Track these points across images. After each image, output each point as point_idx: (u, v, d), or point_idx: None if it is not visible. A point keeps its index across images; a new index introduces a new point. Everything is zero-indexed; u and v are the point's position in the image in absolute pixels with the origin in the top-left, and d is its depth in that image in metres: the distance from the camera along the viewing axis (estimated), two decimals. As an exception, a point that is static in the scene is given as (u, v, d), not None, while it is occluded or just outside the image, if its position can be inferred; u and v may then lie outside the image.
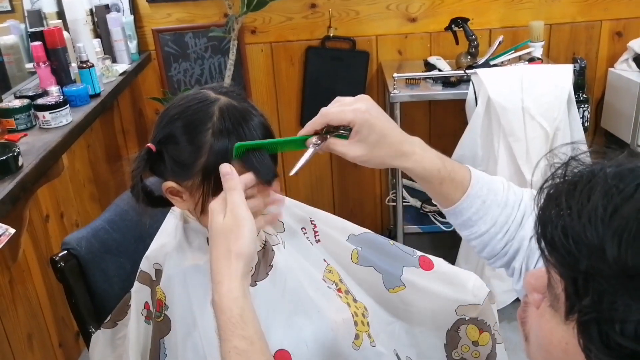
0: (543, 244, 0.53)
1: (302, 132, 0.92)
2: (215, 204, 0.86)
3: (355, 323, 1.06)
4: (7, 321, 1.82)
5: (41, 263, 2.06)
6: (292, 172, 0.89)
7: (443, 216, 2.63)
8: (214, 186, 0.93)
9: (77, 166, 2.40)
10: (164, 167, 0.98)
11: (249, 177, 0.90)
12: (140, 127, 2.94)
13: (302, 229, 1.14)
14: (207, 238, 1.03)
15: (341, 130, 0.92)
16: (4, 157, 1.44)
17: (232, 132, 0.93)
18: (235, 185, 0.85)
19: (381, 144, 0.90)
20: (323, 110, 0.91)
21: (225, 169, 0.87)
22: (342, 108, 0.90)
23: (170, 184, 0.99)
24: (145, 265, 1.07)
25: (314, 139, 0.91)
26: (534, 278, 0.60)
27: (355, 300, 1.10)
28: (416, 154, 0.92)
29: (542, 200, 0.54)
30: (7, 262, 1.84)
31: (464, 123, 2.36)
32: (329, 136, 0.91)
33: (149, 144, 0.98)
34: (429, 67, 2.57)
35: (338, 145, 0.91)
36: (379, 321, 1.13)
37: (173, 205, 1.04)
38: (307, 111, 2.88)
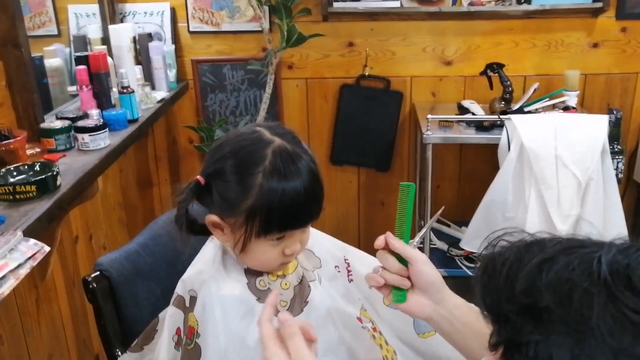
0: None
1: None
2: (275, 355, 0.81)
3: (385, 366, 1.04)
4: (30, 340, 1.82)
5: (67, 283, 2.07)
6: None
7: (470, 260, 2.64)
8: (257, 228, 0.94)
9: (109, 189, 2.43)
10: (210, 200, 0.99)
11: (274, 298, 0.88)
12: (172, 155, 2.97)
13: (335, 267, 1.13)
14: (245, 269, 1.04)
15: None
16: (44, 176, 1.46)
17: (282, 177, 0.93)
18: (295, 331, 0.82)
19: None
20: None
21: (284, 316, 0.83)
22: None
23: (214, 217, 0.99)
24: (181, 289, 1.07)
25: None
26: None
27: (387, 343, 1.09)
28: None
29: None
30: (36, 280, 1.85)
31: (494, 168, 2.36)
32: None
33: (198, 177, 0.99)
34: (462, 110, 2.58)
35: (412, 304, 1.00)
36: (408, 366, 1.11)
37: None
38: (338, 148, 2.90)
